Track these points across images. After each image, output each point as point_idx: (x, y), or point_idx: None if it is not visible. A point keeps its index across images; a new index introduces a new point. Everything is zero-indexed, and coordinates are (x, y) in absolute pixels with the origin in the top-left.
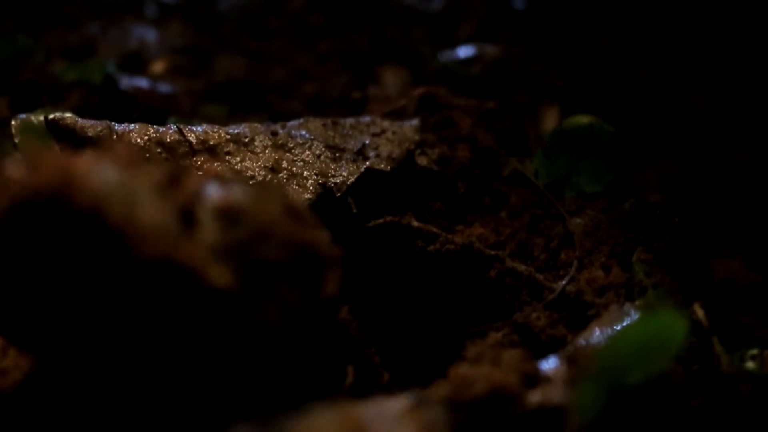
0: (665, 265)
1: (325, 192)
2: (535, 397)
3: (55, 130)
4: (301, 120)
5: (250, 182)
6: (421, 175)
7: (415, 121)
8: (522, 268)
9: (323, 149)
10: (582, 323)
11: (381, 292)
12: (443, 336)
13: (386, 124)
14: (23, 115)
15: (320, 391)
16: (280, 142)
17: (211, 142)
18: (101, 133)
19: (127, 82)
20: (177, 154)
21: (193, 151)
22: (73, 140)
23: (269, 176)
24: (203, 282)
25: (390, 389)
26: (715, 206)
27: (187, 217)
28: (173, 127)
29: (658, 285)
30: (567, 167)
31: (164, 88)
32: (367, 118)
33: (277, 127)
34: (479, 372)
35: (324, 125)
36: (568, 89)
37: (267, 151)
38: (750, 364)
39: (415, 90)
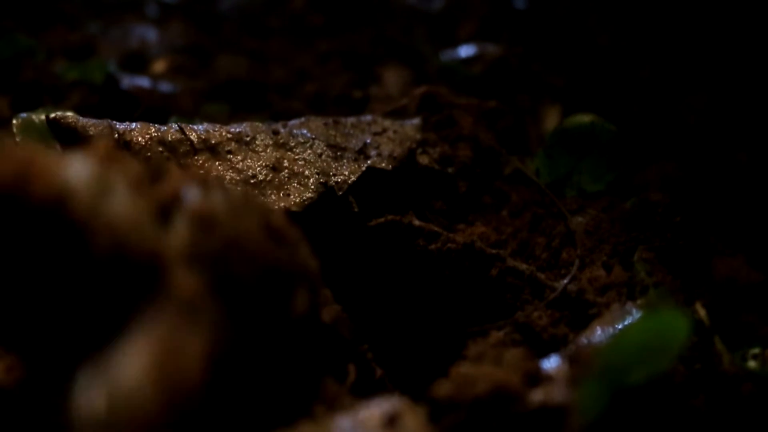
0: (667, 264)
1: (326, 191)
2: (537, 396)
3: (57, 129)
4: (303, 119)
5: (252, 181)
6: (423, 174)
7: (416, 120)
8: (523, 267)
9: (324, 148)
10: (584, 322)
11: (382, 291)
12: (445, 335)
13: (387, 123)
14: (24, 115)
15: (297, 405)
16: (281, 141)
17: (213, 141)
18: (102, 132)
19: (128, 81)
20: (178, 152)
21: (194, 149)
22: (74, 139)
23: (270, 175)
24: (168, 284)
25: (388, 389)
26: (717, 205)
27: (162, 216)
28: (175, 126)
29: (659, 284)
30: (568, 166)
31: (165, 87)
32: (368, 117)
33: (279, 126)
34: (481, 371)
35: (325, 124)
36: (569, 88)
37: (268, 150)
38: (752, 363)
39: (417, 89)
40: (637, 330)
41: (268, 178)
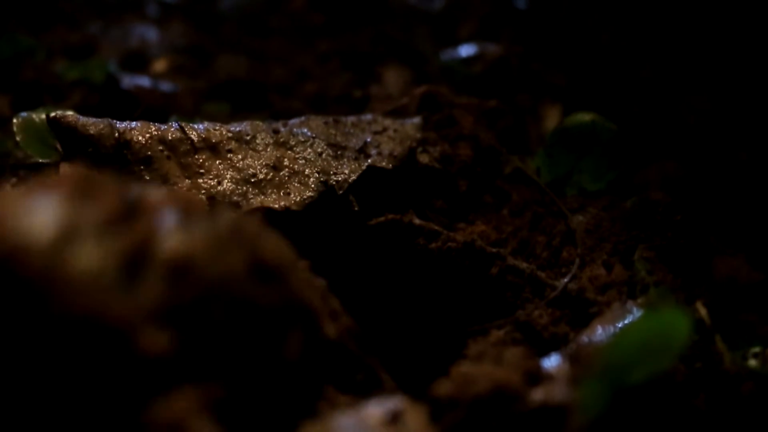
0: (667, 263)
1: (326, 190)
2: (537, 395)
3: (57, 128)
4: (303, 118)
5: (252, 180)
6: (423, 173)
7: (416, 119)
8: (524, 265)
9: (325, 147)
10: (584, 321)
11: (382, 289)
12: (445, 334)
13: (388, 122)
14: (25, 114)
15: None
16: (281, 140)
17: (213, 140)
18: (103, 131)
19: (128, 81)
20: (179, 151)
21: (194, 148)
22: (74, 138)
23: (271, 174)
24: (134, 347)
25: (389, 389)
26: (717, 204)
27: (132, 267)
28: (175, 124)
29: (660, 283)
30: (569, 165)
31: (165, 87)
32: (368, 116)
33: (279, 125)
34: (481, 370)
35: (325, 123)
36: (570, 88)
37: (269, 149)
38: (752, 362)
39: (417, 89)
40: (638, 329)
41: (269, 177)
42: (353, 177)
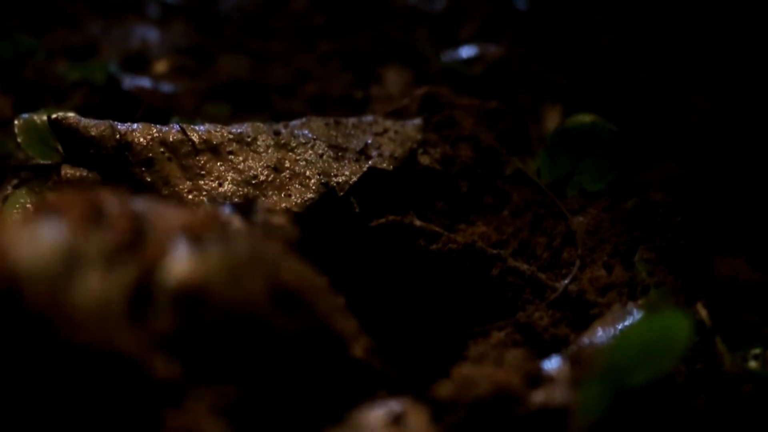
0: (668, 264)
1: (327, 191)
2: (538, 397)
3: (58, 130)
4: (304, 119)
5: (253, 182)
6: (424, 175)
7: (417, 121)
8: (524, 267)
9: (326, 149)
10: (585, 322)
11: (383, 291)
12: (446, 335)
13: (388, 123)
14: (26, 115)
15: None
16: (282, 141)
17: (214, 142)
18: (104, 133)
19: (129, 81)
20: (180, 153)
21: (196, 150)
22: (75, 140)
23: (272, 175)
24: (146, 374)
25: (391, 390)
26: (718, 205)
27: (140, 298)
28: (176, 126)
29: (660, 284)
30: (569, 166)
31: (167, 87)
32: (369, 118)
33: (280, 127)
34: (482, 372)
35: (326, 125)
36: (570, 89)
37: (270, 151)
38: (753, 364)
39: (418, 90)
40: (639, 331)
41: (270, 179)
42: (354, 178)
